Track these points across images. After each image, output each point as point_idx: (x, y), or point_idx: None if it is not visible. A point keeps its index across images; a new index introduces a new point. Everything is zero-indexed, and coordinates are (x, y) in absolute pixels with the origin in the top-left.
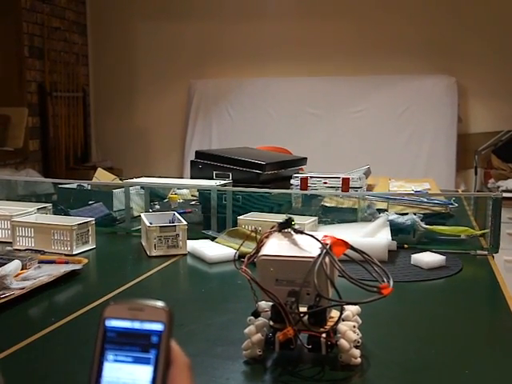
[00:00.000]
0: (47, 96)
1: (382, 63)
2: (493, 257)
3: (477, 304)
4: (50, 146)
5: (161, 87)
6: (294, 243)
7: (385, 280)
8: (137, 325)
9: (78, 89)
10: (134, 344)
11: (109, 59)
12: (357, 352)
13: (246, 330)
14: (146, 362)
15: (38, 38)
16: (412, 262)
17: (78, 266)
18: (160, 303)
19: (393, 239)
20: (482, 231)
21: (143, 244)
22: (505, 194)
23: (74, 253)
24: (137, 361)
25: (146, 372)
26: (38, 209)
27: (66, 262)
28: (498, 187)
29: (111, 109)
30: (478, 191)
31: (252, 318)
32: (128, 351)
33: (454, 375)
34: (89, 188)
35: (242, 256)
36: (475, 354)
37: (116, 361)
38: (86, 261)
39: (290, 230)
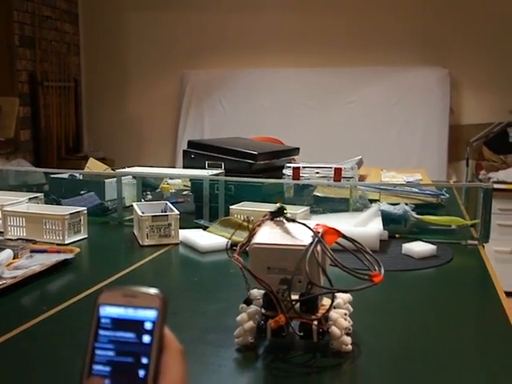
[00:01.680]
0: (38, 86)
1: (375, 55)
2: (483, 246)
3: (467, 292)
4: (41, 136)
5: (153, 77)
6: (286, 231)
7: (376, 268)
8: (130, 311)
9: (70, 79)
10: (127, 330)
11: (100, 49)
12: (348, 339)
13: (238, 318)
14: (139, 348)
15: (29, 27)
16: (403, 252)
17: (70, 256)
18: (154, 290)
19: (384, 229)
20: (473, 221)
21: (135, 233)
22: (495, 186)
23: (66, 242)
24: (130, 347)
25: (139, 358)
26: (29, 198)
27: (58, 252)
28: (489, 179)
29: (103, 99)
30: (469, 182)
31: (244, 305)
32: (122, 337)
33: (443, 361)
34: (81, 178)
35: (234, 245)
36: (464, 341)
37: (110, 347)
38: (78, 250)
39: (282, 218)
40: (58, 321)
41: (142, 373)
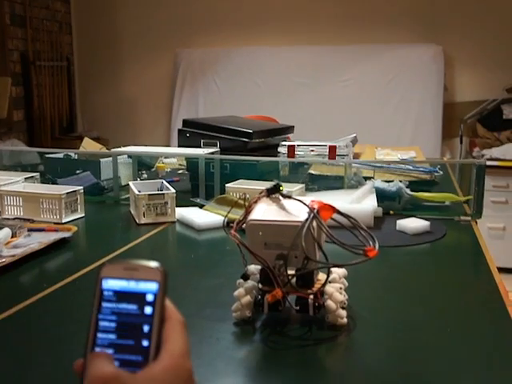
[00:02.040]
0: (30, 65)
1: (369, 32)
2: (476, 222)
3: (460, 268)
4: (34, 116)
5: (147, 56)
6: (282, 208)
7: (370, 243)
8: (132, 284)
9: (62, 58)
10: (130, 302)
11: (93, 28)
12: (343, 312)
13: (236, 293)
14: (141, 319)
15: (20, 6)
16: (397, 228)
17: (67, 234)
18: (154, 263)
19: (379, 206)
20: (466, 197)
21: (132, 212)
22: (489, 163)
23: (63, 221)
24: (133, 318)
25: (142, 328)
26: (25, 178)
27: (56, 230)
28: (483, 156)
29: (96, 78)
30: (463, 159)
31: (241, 280)
32: (124, 309)
33: (437, 334)
34: (76, 157)
35: (230, 222)
36: (458, 314)
37: (113, 318)
38: (75, 229)
39: (278, 195)
40: (58, 298)
41: (144, 343)
